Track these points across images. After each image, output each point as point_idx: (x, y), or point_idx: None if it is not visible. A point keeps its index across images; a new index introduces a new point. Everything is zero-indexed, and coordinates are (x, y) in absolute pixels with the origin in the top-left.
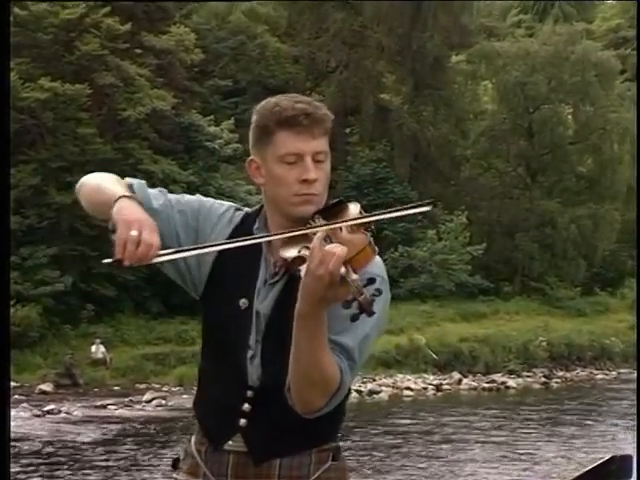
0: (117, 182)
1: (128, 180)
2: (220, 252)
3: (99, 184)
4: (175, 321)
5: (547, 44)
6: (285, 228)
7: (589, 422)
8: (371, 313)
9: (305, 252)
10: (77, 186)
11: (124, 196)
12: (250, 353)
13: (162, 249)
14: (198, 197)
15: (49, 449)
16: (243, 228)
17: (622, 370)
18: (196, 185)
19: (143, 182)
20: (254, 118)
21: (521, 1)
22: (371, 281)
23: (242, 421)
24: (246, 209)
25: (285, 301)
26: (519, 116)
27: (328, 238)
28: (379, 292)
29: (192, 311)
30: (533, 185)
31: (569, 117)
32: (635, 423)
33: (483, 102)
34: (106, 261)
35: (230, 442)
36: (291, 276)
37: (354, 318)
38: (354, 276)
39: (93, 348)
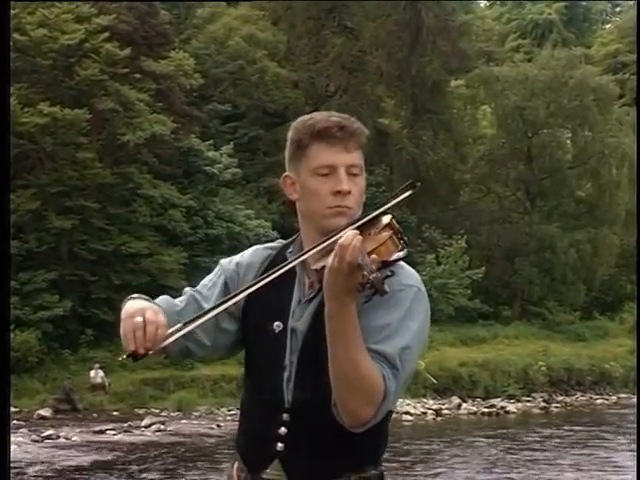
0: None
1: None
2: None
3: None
4: None
5: (546, 69)
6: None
7: (588, 447)
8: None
9: None
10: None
11: (130, 298)
12: (286, 375)
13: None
14: (220, 264)
15: (48, 475)
16: (278, 258)
17: (622, 395)
18: (195, 210)
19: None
20: (289, 134)
21: (518, 25)
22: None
23: (279, 445)
24: (279, 240)
25: (322, 317)
26: (518, 140)
27: None
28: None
29: None
30: (532, 209)
31: (568, 142)
32: (635, 448)
33: (482, 126)
34: (121, 357)
35: (268, 470)
36: None
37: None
38: (369, 259)
39: (92, 373)
